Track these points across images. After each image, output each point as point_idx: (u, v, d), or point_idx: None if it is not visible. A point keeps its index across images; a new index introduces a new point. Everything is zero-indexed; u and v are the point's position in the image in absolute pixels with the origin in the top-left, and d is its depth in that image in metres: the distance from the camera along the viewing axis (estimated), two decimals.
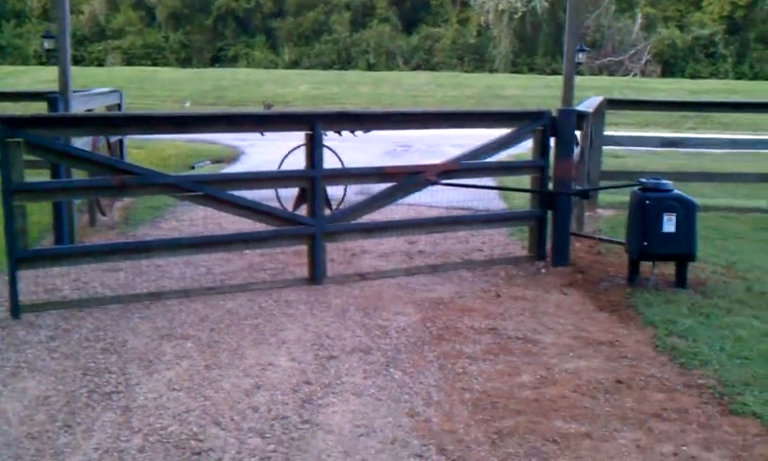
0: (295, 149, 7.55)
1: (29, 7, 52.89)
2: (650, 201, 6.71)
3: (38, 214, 8.72)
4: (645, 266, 6.98)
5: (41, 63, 47.32)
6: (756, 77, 47.14)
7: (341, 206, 7.84)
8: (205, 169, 13.96)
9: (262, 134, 7.37)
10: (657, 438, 4.03)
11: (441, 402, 4.43)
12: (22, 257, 5.92)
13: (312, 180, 6.69)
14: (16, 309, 5.83)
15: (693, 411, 4.36)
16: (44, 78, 34.58)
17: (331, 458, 3.79)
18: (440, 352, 5.19)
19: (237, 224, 7.58)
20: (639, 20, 50.29)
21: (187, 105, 31.08)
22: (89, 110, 8.95)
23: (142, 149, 15.33)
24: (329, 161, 7.10)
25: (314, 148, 6.62)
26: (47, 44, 32.30)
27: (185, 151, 16.17)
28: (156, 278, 6.83)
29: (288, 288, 6.59)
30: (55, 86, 7.67)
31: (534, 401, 4.43)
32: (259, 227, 6.82)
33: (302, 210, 7.12)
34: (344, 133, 7.08)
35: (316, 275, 6.75)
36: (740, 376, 4.78)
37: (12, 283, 5.83)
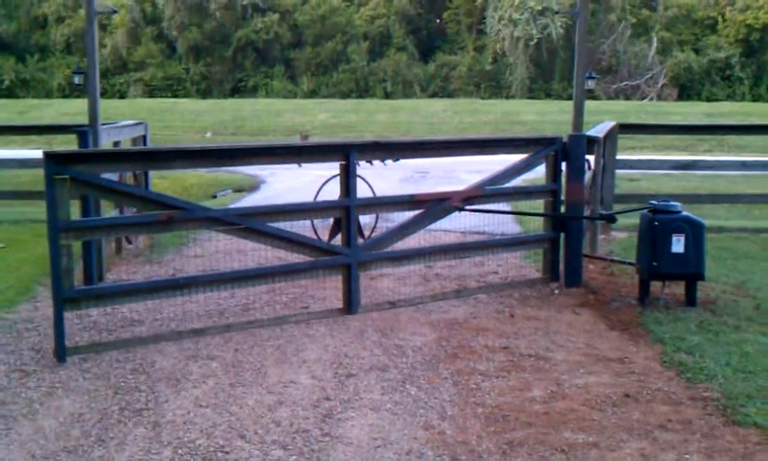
0: (330, 179, 7.72)
1: (52, 41, 53.91)
2: (659, 222, 6.91)
3: None
4: (656, 286, 7.16)
5: (65, 96, 48.24)
6: None
7: (372, 235, 8.03)
8: (227, 198, 14.27)
9: (299, 165, 7.56)
10: (661, 447, 4.22)
11: (454, 416, 4.64)
12: (68, 298, 5.77)
13: (347, 209, 6.76)
14: (62, 352, 5.64)
15: (697, 422, 4.54)
16: (67, 110, 35.31)
17: None
18: (454, 370, 5.40)
19: (259, 250, 7.82)
20: (655, 44, 50.49)
21: (208, 135, 31.58)
22: (117, 143, 9.29)
23: (165, 179, 15.70)
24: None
25: (349, 177, 6.70)
26: (77, 79, 33.01)
27: (206, 180, 16.52)
28: (182, 302, 7.09)
29: (308, 308, 6.82)
30: (78, 119, 7.99)
31: (544, 414, 4.63)
32: (291, 257, 7.01)
33: (336, 240, 7.26)
34: (375, 162, 7.27)
35: (351, 304, 6.78)
36: (744, 389, 4.96)
37: (59, 325, 5.63)
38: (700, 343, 5.89)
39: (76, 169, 5.75)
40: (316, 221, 8.30)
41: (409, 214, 7.24)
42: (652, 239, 6.91)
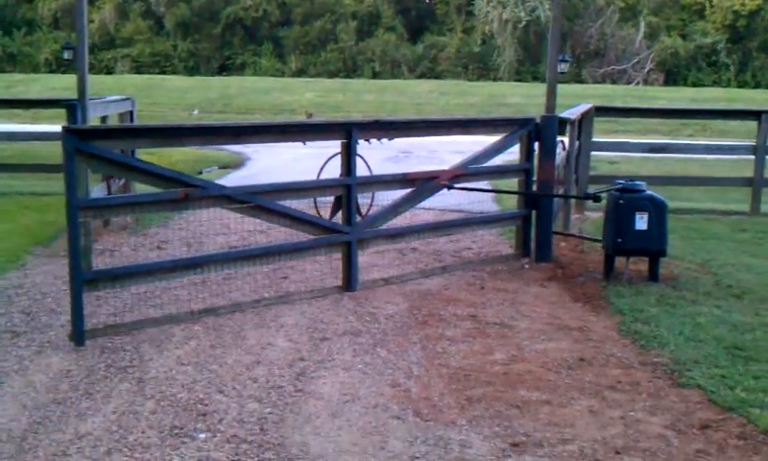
0: (332, 157, 7.83)
1: (39, 15, 53.71)
2: (624, 200, 7.24)
3: (54, 214, 9.31)
4: (621, 262, 7.49)
5: (51, 71, 48.15)
6: (757, 86, 47.56)
7: (369, 213, 8.22)
8: (213, 174, 14.50)
9: (304, 144, 7.69)
10: (609, 405, 4.56)
11: (420, 376, 4.97)
12: (87, 279, 5.62)
13: (348, 187, 6.85)
14: (81, 337, 5.45)
15: (645, 384, 4.88)
16: (54, 85, 35.35)
17: (320, 419, 4.33)
18: (423, 335, 5.73)
19: (242, 224, 8.07)
20: (642, 29, 50.80)
21: (195, 112, 31.71)
22: (104, 118, 9.53)
23: (152, 154, 15.90)
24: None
25: (350, 156, 6.77)
26: (67, 55, 33.04)
27: (192, 157, 16.74)
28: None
29: (288, 279, 7.12)
30: (65, 94, 8.21)
31: (503, 375, 4.97)
32: (277, 233, 7.20)
33: (336, 218, 7.36)
34: (372, 141, 7.46)
35: (350, 282, 6.86)
36: (692, 356, 5.31)
37: (78, 308, 5.46)
38: (657, 314, 6.23)
39: (94, 145, 5.59)
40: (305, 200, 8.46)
41: (401, 192, 7.40)
42: (617, 217, 7.24)
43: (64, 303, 6.33)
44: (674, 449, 4.05)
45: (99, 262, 7.62)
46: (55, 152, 9.13)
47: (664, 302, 6.62)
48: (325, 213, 8.58)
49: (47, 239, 8.49)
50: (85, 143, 5.51)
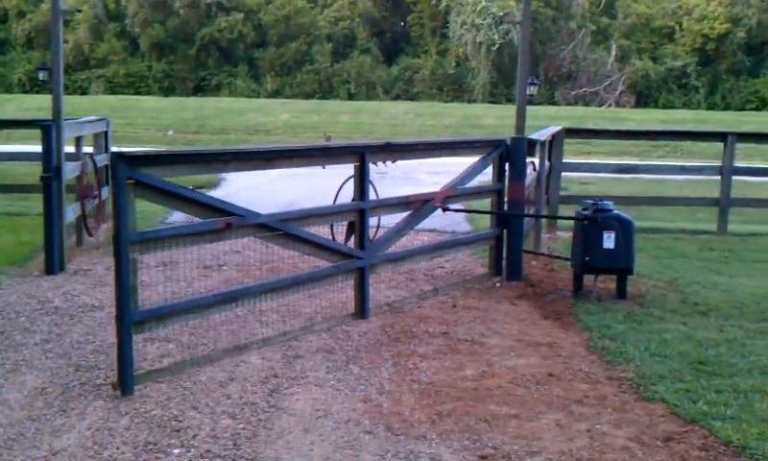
0: (345, 182, 7.64)
1: (13, 35, 53.48)
2: (588, 221, 7.40)
3: (29, 234, 9.33)
4: (590, 280, 7.64)
5: (25, 92, 47.92)
6: (727, 107, 48.39)
7: (376, 237, 8.18)
8: None
9: (323, 167, 7.38)
10: (575, 419, 4.68)
11: (392, 391, 5.07)
12: (136, 321, 5.07)
13: (362, 212, 6.71)
14: (130, 383, 4.96)
15: (611, 398, 5.01)
16: (28, 106, 35.18)
17: (292, 434, 4.41)
18: (395, 352, 5.83)
19: (215, 244, 8.11)
20: (614, 52, 51.58)
21: (170, 133, 31.71)
22: (79, 138, 9.57)
23: None
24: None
25: (363, 179, 6.62)
26: (42, 75, 32.93)
27: None
28: (140, 291, 7.40)
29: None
30: (40, 115, 8.25)
31: (473, 390, 5.08)
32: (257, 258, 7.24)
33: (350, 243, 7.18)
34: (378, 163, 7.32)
35: (364, 308, 6.75)
36: (657, 371, 5.45)
37: (127, 353, 4.95)
38: (624, 331, 6.38)
39: (142, 173, 5.07)
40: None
41: (401, 215, 7.35)
42: (585, 236, 7.40)
43: (38, 322, 6.37)
44: None
45: (75, 283, 7.67)
46: (30, 172, 9.17)
47: (631, 319, 6.77)
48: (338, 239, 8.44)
49: (22, 259, 8.51)
50: (135, 170, 5.02)
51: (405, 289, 7.73)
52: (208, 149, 6.80)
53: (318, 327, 6.38)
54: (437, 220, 8.46)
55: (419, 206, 7.41)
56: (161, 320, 5.27)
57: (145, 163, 5.16)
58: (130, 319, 4.97)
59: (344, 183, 7.98)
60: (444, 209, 7.78)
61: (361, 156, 6.64)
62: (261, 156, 6.23)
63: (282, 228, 6.04)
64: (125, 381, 4.95)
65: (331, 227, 7.87)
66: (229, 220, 5.59)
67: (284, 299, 6.49)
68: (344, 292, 6.94)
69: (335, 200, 7.92)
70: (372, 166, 6.80)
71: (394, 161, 7.64)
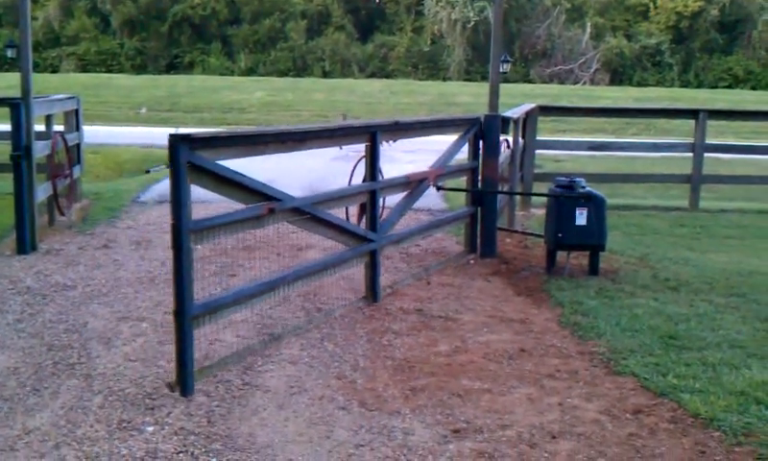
0: (358, 162, 7.53)
1: None
2: (564, 197, 7.45)
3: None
4: (563, 256, 7.71)
5: None
6: (700, 85, 48.78)
7: (382, 217, 8.05)
8: (161, 173, 14.37)
9: (340, 148, 7.28)
10: (547, 393, 4.74)
11: (366, 368, 5.09)
12: (195, 315, 4.75)
13: (373, 192, 6.61)
14: (190, 383, 4.64)
15: (582, 372, 5.07)
16: None
17: (267, 411, 4.43)
18: (369, 329, 5.86)
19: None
20: (589, 30, 51.70)
21: (143, 111, 31.41)
22: (49, 116, 9.46)
23: (98, 154, 15.79)
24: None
25: (374, 159, 6.50)
26: (10, 53, 32.38)
27: (140, 156, 16.67)
28: (114, 269, 7.39)
29: (237, 277, 7.18)
30: (8, 93, 8.12)
31: (446, 366, 5.12)
32: None
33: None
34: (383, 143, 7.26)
35: (375, 292, 6.63)
36: (628, 345, 5.52)
37: (189, 351, 4.65)
38: (596, 306, 6.45)
39: (197, 155, 4.73)
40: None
41: (401, 195, 7.28)
42: (557, 213, 7.45)
43: (10, 302, 6.33)
44: (608, 433, 4.23)
45: (47, 262, 7.61)
46: None
47: (603, 294, 6.84)
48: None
49: None
50: (193, 154, 4.66)
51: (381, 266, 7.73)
52: (254, 130, 6.37)
53: (337, 312, 6.27)
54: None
55: (415, 185, 7.35)
56: (214, 313, 4.99)
57: (202, 146, 4.81)
58: (190, 313, 4.66)
59: (357, 164, 7.80)
60: (438, 188, 7.78)
61: (372, 134, 6.49)
62: (295, 136, 6.01)
63: (313, 212, 5.88)
64: (185, 381, 4.60)
65: (346, 210, 7.76)
66: (273, 205, 5.38)
67: (311, 284, 6.32)
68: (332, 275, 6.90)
69: (350, 181, 7.81)
70: (387, 145, 6.71)
71: (394, 141, 7.59)
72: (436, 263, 7.93)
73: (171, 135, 4.61)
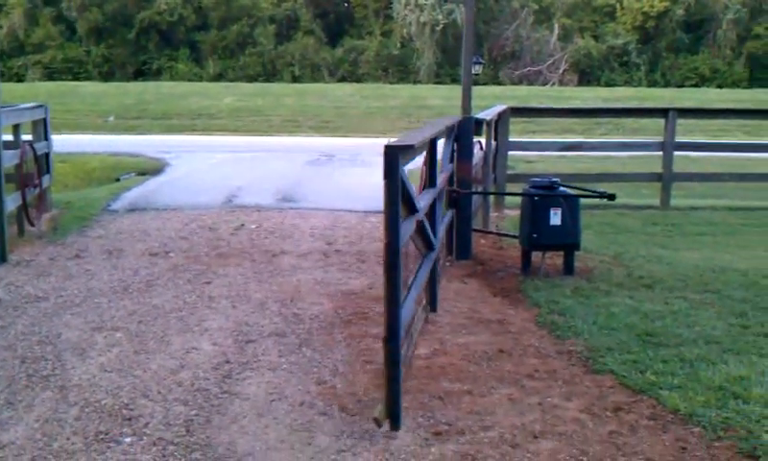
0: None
1: None
2: (538, 197, 7.48)
3: None
4: (538, 256, 7.73)
5: None
6: (667, 84, 49.26)
7: None
8: (131, 181, 14.24)
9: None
10: (527, 393, 4.74)
11: (345, 373, 5.06)
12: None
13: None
14: (398, 418, 4.23)
15: (561, 372, 5.09)
16: None
17: (246, 419, 4.38)
18: (348, 334, 5.83)
19: (162, 231, 8.00)
20: (556, 31, 52.05)
21: (111, 119, 31.08)
22: (17, 126, 9.33)
23: (67, 163, 15.57)
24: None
25: (433, 165, 6.37)
26: None
27: (110, 164, 16.48)
28: (86, 280, 7.28)
29: (211, 284, 7.11)
30: None
31: (426, 368, 5.10)
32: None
33: None
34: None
35: (434, 301, 6.40)
36: (605, 343, 5.55)
37: (397, 378, 4.24)
38: (572, 306, 6.48)
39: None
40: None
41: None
42: (532, 213, 7.48)
43: None
44: (588, 432, 4.24)
45: (17, 274, 7.49)
46: None
47: (579, 293, 6.87)
48: None
49: None
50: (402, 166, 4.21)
51: (356, 271, 7.72)
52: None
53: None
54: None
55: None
56: None
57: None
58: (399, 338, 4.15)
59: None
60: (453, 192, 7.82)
61: (431, 141, 6.14)
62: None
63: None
64: (394, 413, 4.21)
65: None
66: None
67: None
68: (294, 276, 6.85)
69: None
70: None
71: None
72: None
73: (386, 147, 4.09)
